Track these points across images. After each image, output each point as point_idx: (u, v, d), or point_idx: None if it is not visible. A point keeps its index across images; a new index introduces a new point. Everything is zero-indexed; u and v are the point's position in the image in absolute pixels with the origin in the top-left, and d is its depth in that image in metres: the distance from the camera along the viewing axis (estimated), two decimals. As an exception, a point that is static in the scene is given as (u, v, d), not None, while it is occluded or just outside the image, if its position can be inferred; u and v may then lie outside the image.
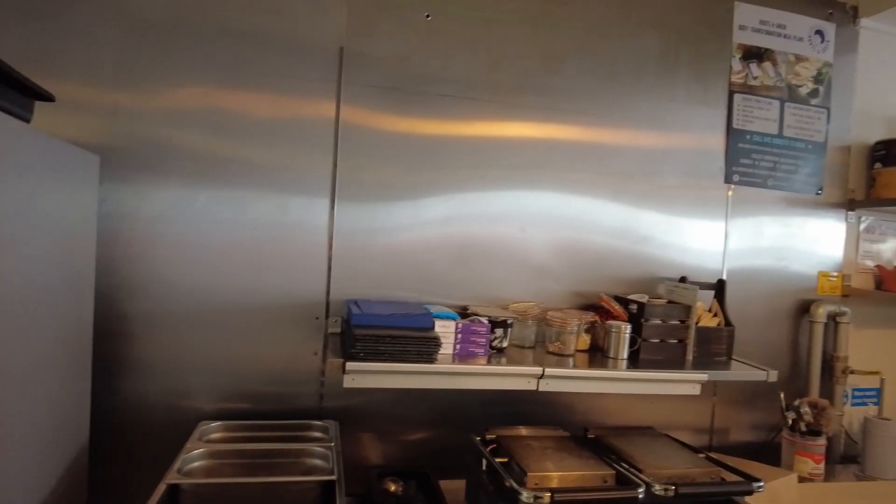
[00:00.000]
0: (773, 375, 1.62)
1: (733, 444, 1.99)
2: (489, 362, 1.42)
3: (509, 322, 1.55)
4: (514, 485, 1.11)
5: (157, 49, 1.47)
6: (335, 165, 1.59)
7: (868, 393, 2.18)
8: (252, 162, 1.54)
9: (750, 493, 1.21)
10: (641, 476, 1.19)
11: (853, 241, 2.15)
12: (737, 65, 1.96)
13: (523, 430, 1.46)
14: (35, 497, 1.06)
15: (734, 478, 1.24)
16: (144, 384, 1.48)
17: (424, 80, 1.66)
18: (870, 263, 2.17)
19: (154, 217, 1.47)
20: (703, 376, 1.51)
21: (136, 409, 1.48)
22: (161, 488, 1.10)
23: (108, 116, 1.44)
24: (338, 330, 1.58)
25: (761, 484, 1.21)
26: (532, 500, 1.08)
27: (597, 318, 1.67)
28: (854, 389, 2.15)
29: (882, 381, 2.07)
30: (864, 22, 2.11)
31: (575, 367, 1.47)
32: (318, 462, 1.30)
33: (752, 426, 2.03)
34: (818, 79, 2.06)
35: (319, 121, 1.58)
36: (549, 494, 1.08)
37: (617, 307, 1.67)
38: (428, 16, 1.65)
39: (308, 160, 1.57)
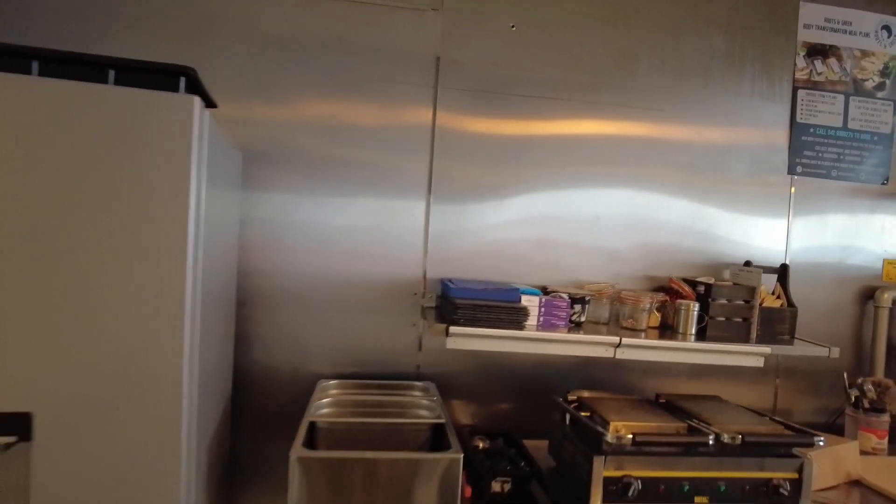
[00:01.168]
0: (836, 352, 1.73)
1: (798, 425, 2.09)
2: (570, 331, 1.61)
3: (587, 299, 1.73)
4: (600, 428, 1.30)
5: (284, 63, 1.73)
6: (431, 165, 1.82)
7: (936, 379, 2.23)
8: (361, 162, 1.78)
9: (811, 445, 1.35)
10: (711, 428, 1.36)
11: (922, 230, 2.21)
12: (801, 62, 2.07)
13: (601, 394, 1.64)
14: (208, 429, 1.33)
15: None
16: (271, 352, 1.75)
17: (510, 82, 1.86)
18: (937, 252, 2.22)
19: (278, 210, 1.74)
20: (766, 349, 1.65)
21: (264, 370, 1.75)
22: (304, 426, 1.35)
23: (242, 125, 1.72)
24: (433, 304, 1.80)
25: (822, 438, 1.35)
26: (615, 440, 1.26)
27: (667, 298, 1.83)
28: (921, 375, 2.21)
29: (949, 365, 2.12)
30: (932, 16, 2.16)
31: (647, 339, 1.64)
32: (424, 412, 1.53)
33: (815, 409, 2.13)
34: (885, 72, 2.13)
35: (418, 125, 1.81)
36: (632, 436, 1.26)
37: (686, 288, 1.82)
38: (513, 26, 1.85)
39: (408, 160, 1.80)
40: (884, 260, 2.16)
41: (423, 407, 1.54)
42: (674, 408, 1.57)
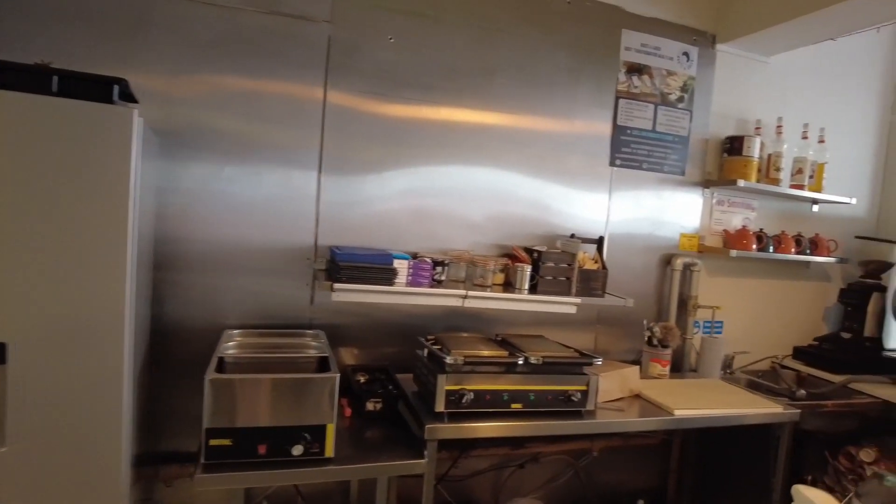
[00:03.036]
0: (630, 302, 2.34)
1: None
2: (431, 288, 2.07)
3: (446, 262, 2.20)
4: (444, 355, 1.78)
5: (205, 60, 2.01)
6: (322, 143, 2.18)
7: (716, 324, 2.96)
8: (267, 140, 2.11)
9: (590, 363, 1.92)
10: (525, 354, 1.88)
11: (707, 211, 2.88)
12: (623, 77, 2.63)
13: (454, 333, 2.13)
14: (137, 364, 1.66)
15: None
16: (188, 308, 2.07)
17: (394, 85, 2.25)
18: (719, 228, 2.92)
19: (194, 183, 2.04)
20: (577, 300, 2.21)
21: (180, 323, 2.07)
22: (214, 360, 1.71)
23: (166, 103, 1.99)
24: (323, 267, 2.20)
25: (599, 359, 1.93)
26: (454, 362, 1.75)
27: (509, 262, 2.34)
28: (705, 322, 2.92)
29: (715, 311, 2.84)
30: (720, 46, 2.80)
31: (490, 290, 2.14)
32: (313, 351, 1.93)
33: (626, 349, 2.76)
34: (684, 89, 2.75)
35: (311, 101, 2.15)
36: (464, 358, 1.75)
37: (523, 254, 2.35)
38: (391, 38, 2.24)
39: (303, 138, 2.15)
40: (680, 234, 2.82)
41: (312, 348, 1.95)
42: (505, 342, 2.08)
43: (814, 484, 2.73)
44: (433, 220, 2.37)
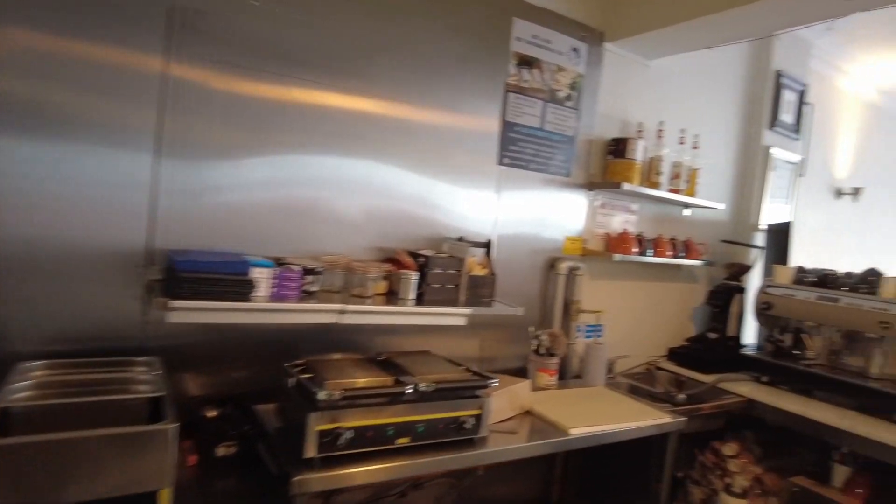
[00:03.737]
0: (520, 310, 2.17)
1: (498, 370, 2.56)
2: (300, 300, 1.73)
3: (318, 270, 1.86)
4: (315, 388, 1.46)
5: (-37, -5, 1.47)
6: (161, 122, 1.73)
7: (596, 328, 2.92)
8: (80, 114, 1.61)
9: (486, 386, 1.71)
10: (413, 379, 1.62)
11: (591, 213, 2.83)
12: (513, 69, 2.46)
13: (328, 355, 1.81)
14: None
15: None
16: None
17: (258, 56, 1.85)
18: (601, 231, 2.88)
19: (-37, 164, 1.50)
20: (468, 311, 1.99)
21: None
22: (-10, 412, 1.23)
23: None
24: (158, 276, 1.75)
25: (496, 380, 1.72)
26: (328, 397, 1.43)
27: (392, 268, 2.06)
28: (588, 326, 2.87)
29: (598, 317, 2.80)
30: (607, 45, 2.75)
31: (370, 303, 1.85)
32: (144, 387, 1.50)
33: (512, 355, 2.61)
34: (573, 86, 2.65)
35: (147, 76, 1.70)
36: (341, 391, 1.45)
37: (408, 259, 2.08)
38: (256, 1, 1.84)
39: (133, 114, 1.69)
40: (565, 237, 2.73)
41: (143, 382, 1.52)
42: (389, 363, 1.81)
43: (684, 480, 2.81)
44: (304, 217, 2.01)
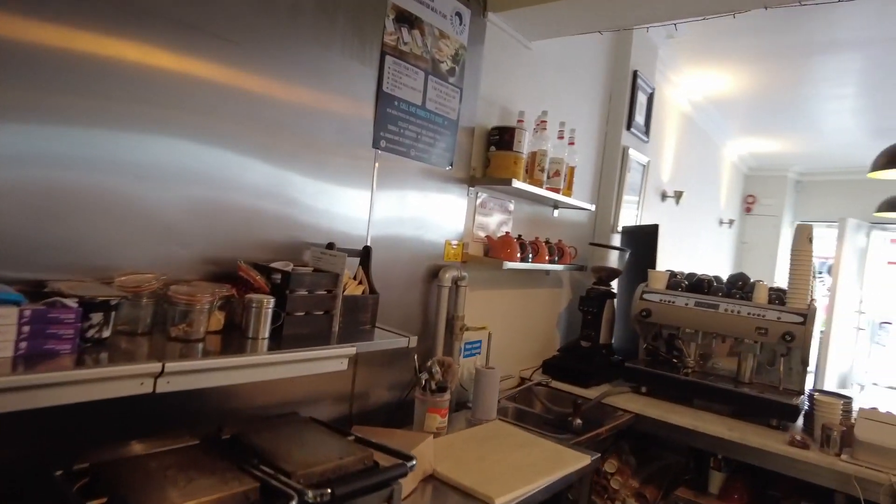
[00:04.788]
0: (414, 341, 1.66)
1: (373, 407, 2.00)
2: (80, 362, 0.99)
3: (113, 302, 1.13)
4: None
5: None
6: None
7: (475, 345, 2.52)
8: None
9: (405, 474, 1.15)
10: (291, 482, 1.00)
11: (472, 213, 2.41)
12: (390, 26, 1.91)
13: (135, 448, 1.09)
14: None
15: (389, 459, 1.17)
16: None
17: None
18: (482, 234, 2.48)
19: None
20: (351, 350, 1.41)
21: None
22: None
23: None
24: None
25: (413, 462, 1.18)
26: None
27: (234, 291, 1.39)
28: (466, 343, 2.44)
29: (489, 335, 2.39)
30: (491, 16, 2.34)
31: (205, 354, 1.17)
32: None
33: (390, 386, 2.08)
34: (455, 59, 2.19)
35: None
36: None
37: (258, 277, 1.42)
38: None
39: None
40: (445, 241, 2.26)
41: None
42: (242, 448, 1.15)
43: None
44: (85, 214, 1.24)
